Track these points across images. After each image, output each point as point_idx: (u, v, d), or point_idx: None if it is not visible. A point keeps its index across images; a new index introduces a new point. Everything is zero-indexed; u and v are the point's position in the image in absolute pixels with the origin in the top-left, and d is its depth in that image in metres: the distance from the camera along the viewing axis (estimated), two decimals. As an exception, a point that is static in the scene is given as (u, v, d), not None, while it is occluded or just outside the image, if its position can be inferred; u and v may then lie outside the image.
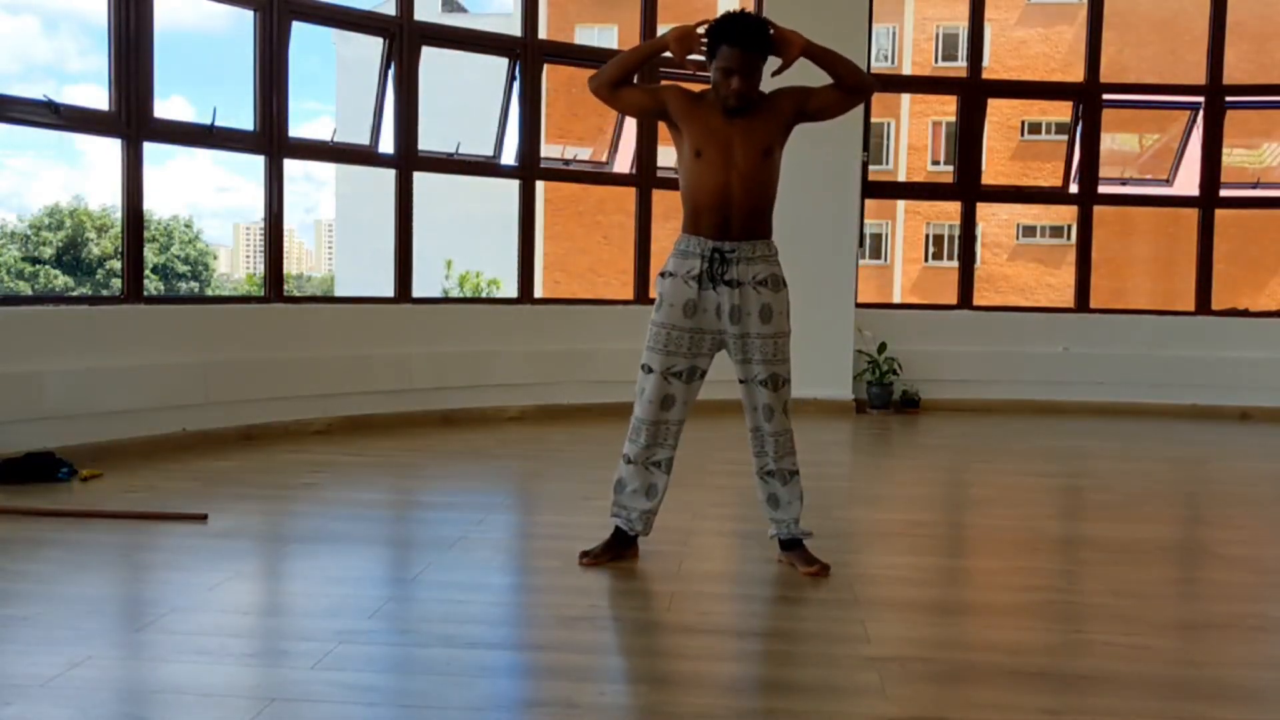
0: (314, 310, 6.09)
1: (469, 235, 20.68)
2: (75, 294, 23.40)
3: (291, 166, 6.39)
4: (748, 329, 3.16)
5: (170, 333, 5.20)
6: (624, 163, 7.31)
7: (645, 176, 7.06)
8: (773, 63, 3.19)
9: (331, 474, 4.71)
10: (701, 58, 3.19)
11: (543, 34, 7.45)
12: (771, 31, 3.15)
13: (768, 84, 3.17)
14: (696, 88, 3.28)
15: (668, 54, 3.20)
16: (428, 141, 6.33)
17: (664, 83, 3.26)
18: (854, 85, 3.21)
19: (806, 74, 3.18)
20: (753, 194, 3.16)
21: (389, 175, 6.26)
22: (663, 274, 3.24)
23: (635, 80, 3.31)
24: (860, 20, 7.01)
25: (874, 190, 7.79)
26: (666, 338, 3.19)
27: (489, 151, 6.84)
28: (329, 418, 5.78)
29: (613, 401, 6.21)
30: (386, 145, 6.26)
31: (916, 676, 2.44)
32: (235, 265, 63.34)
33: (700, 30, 3.16)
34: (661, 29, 6.43)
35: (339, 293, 26.16)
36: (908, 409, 7.25)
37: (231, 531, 3.65)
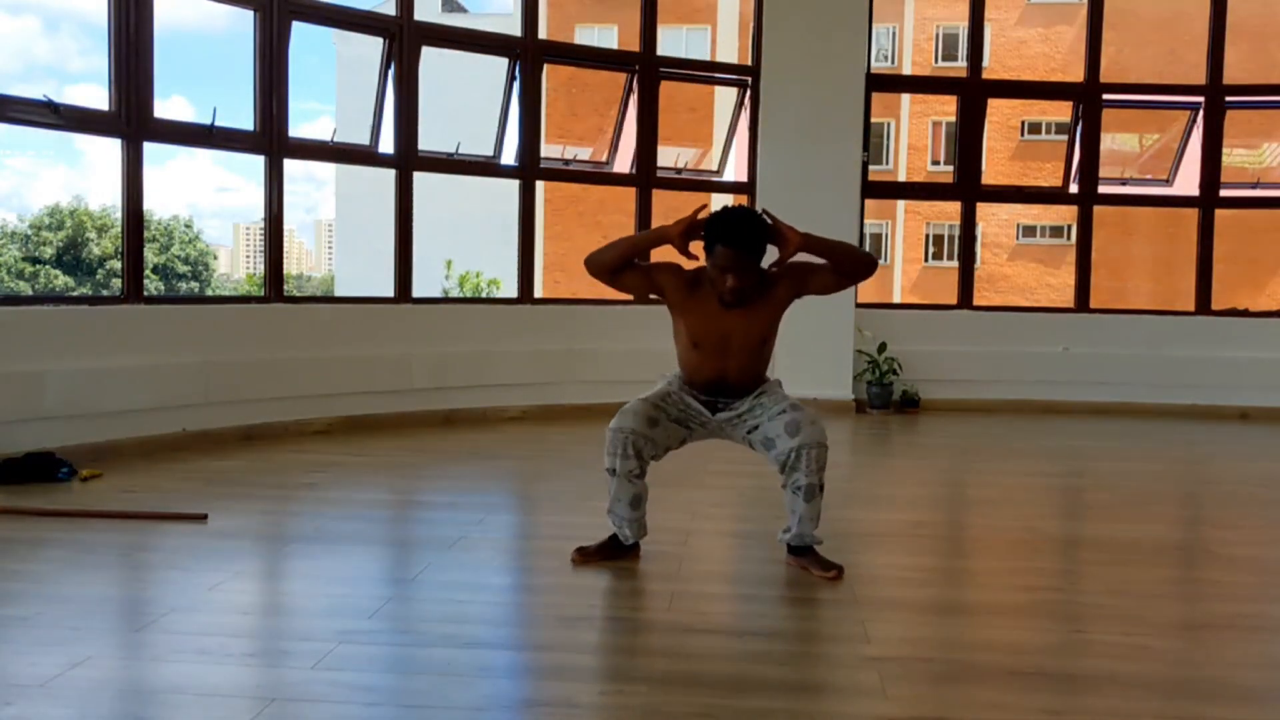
0: (314, 310, 6.09)
1: (469, 235, 20.68)
2: (75, 294, 23.40)
3: (291, 166, 6.40)
4: (748, 411, 3.28)
5: (170, 333, 5.20)
6: (624, 163, 7.31)
7: (645, 176, 7.05)
8: (771, 252, 3.21)
9: (331, 474, 4.71)
10: (701, 258, 3.22)
11: (543, 34, 7.45)
12: (770, 222, 3.19)
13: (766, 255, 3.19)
14: (690, 265, 3.31)
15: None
16: (428, 141, 6.33)
17: (659, 263, 3.31)
18: (853, 273, 3.33)
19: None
20: (747, 374, 3.28)
21: (389, 175, 6.26)
22: (670, 382, 3.34)
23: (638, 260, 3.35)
24: (860, 20, 7.01)
25: (874, 190, 7.79)
26: (667, 398, 3.29)
27: (489, 151, 6.84)
28: (329, 418, 5.78)
29: (613, 402, 6.13)
30: (386, 145, 6.26)
31: (916, 676, 2.44)
32: (235, 265, 63.31)
33: (701, 218, 3.20)
34: (661, 29, 6.44)
35: (339, 293, 26.16)
36: (908, 409, 7.25)
37: (231, 531, 3.65)
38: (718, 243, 3.11)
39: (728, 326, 3.20)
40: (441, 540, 3.56)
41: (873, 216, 22.29)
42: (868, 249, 5.91)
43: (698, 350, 3.24)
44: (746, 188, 7.29)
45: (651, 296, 3.35)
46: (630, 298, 7.06)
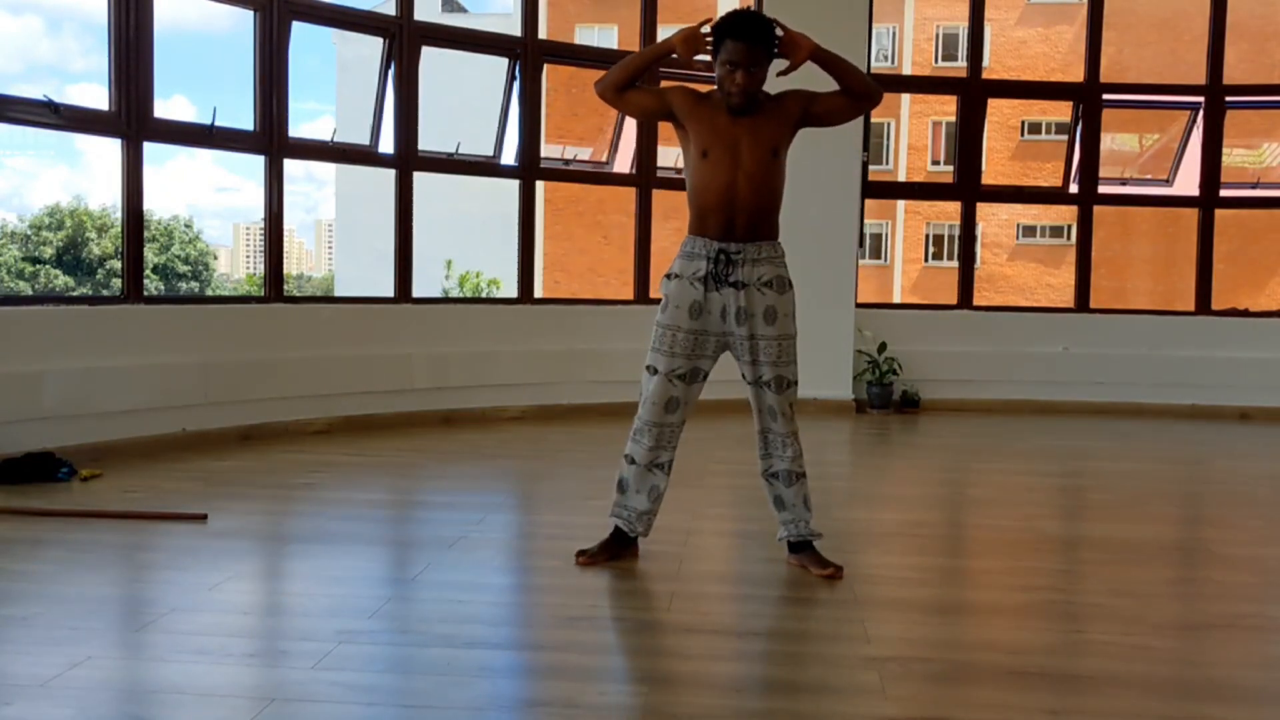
0: (314, 310, 6.08)
1: (469, 235, 20.68)
2: (75, 294, 23.40)
3: (292, 166, 6.40)
4: (754, 330, 3.16)
5: (170, 333, 5.20)
6: (624, 163, 7.31)
7: (645, 176, 7.06)
8: (778, 64, 3.19)
9: (331, 474, 4.71)
10: (708, 58, 3.18)
11: (543, 34, 7.45)
12: (780, 33, 3.16)
13: (773, 84, 3.16)
14: (703, 88, 3.28)
15: (674, 55, 3.21)
16: (428, 141, 6.33)
17: (668, 84, 3.27)
18: (861, 93, 3.22)
19: (811, 79, 3.18)
20: (759, 194, 3.15)
21: (389, 175, 6.26)
22: (668, 276, 3.25)
23: (640, 83, 3.31)
24: (860, 20, 7.01)
25: (874, 190, 7.79)
26: (671, 339, 3.20)
27: (489, 151, 6.84)
28: (329, 418, 5.78)
29: (613, 401, 6.22)
30: (386, 145, 6.26)
31: (916, 676, 2.44)
32: (235, 265, 63.24)
33: (705, 30, 3.16)
34: (661, 30, 6.44)
35: (339, 293, 26.15)
36: (908, 409, 7.25)
37: (231, 531, 3.65)
38: (725, 37, 3.07)
39: (737, 133, 3.13)
40: (441, 540, 3.56)
41: (873, 216, 22.29)
42: (864, 251, 5.91)
43: (707, 161, 3.14)
44: (746, 188, 7.28)
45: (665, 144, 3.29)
46: (629, 296, 7.10)
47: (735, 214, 3.14)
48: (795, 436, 3.24)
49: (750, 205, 3.14)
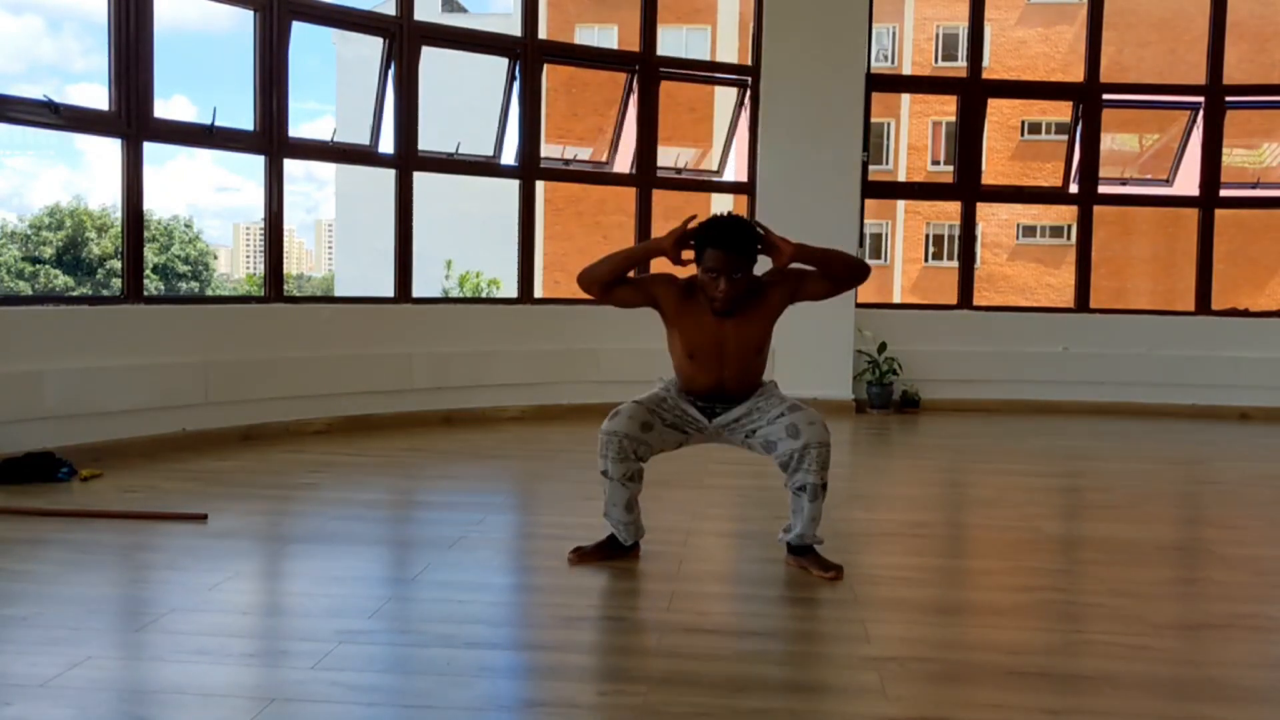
0: (314, 310, 6.08)
1: (469, 235, 20.68)
2: (75, 294, 23.39)
3: (292, 166, 6.40)
4: (757, 427, 3.25)
5: (170, 333, 5.20)
6: (624, 163, 7.31)
7: (645, 176, 7.05)
8: (764, 262, 3.21)
9: (331, 474, 4.72)
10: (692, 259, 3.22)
11: (543, 34, 7.45)
12: (762, 232, 3.19)
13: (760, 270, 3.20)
14: (684, 272, 3.30)
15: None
16: (428, 141, 6.33)
17: (653, 275, 3.32)
18: (847, 277, 3.29)
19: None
20: (743, 383, 3.27)
21: (389, 175, 6.27)
22: (667, 387, 3.33)
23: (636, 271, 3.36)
24: (860, 20, 7.01)
25: (874, 190, 7.78)
26: (662, 403, 3.28)
27: (489, 151, 6.84)
28: (329, 418, 5.78)
29: (613, 401, 6.17)
30: (386, 145, 6.27)
31: (916, 676, 2.44)
32: (235, 265, 63.23)
33: (692, 226, 3.19)
34: (661, 29, 6.44)
35: (339, 293, 26.15)
36: (908, 409, 7.25)
37: (231, 531, 3.65)
38: (707, 246, 3.12)
39: (722, 335, 3.20)
40: (441, 540, 3.56)
41: (873, 216, 22.28)
42: (865, 250, 5.92)
43: (693, 361, 3.24)
44: (746, 188, 7.29)
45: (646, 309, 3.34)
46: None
47: (721, 396, 3.28)
48: (828, 448, 3.19)
49: (735, 390, 3.27)
